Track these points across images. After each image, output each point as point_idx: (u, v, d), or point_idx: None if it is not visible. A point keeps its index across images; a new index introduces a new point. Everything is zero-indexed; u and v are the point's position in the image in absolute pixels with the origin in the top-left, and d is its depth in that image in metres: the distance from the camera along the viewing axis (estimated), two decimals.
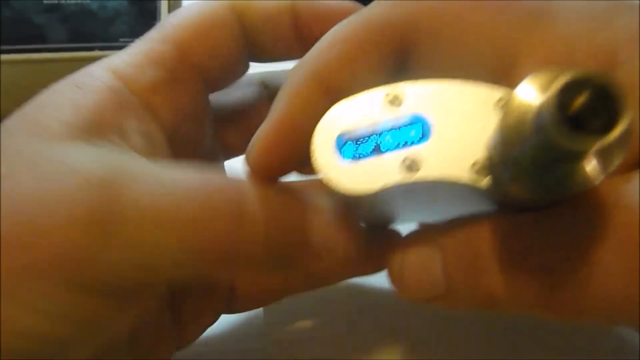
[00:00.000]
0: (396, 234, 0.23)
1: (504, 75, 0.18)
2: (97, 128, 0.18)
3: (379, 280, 0.29)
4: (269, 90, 0.25)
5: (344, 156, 0.17)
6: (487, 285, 0.18)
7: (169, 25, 0.22)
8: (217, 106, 0.24)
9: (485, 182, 0.16)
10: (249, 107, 0.25)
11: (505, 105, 0.14)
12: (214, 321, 0.24)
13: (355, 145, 0.17)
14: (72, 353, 0.16)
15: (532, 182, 0.15)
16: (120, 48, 0.35)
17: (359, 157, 0.17)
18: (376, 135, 0.17)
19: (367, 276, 0.27)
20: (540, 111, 0.13)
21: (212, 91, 0.23)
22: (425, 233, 0.20)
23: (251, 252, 0.17)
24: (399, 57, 0.19)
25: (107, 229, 0.15)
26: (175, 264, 0.16)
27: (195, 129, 0.22)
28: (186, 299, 0.23)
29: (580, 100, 0.12)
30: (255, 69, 0.25)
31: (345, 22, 0.19)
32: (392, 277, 0.20)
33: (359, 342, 0.27)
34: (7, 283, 0.15)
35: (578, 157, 0.14)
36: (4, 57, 0.33)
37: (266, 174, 0.19)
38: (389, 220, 0.23)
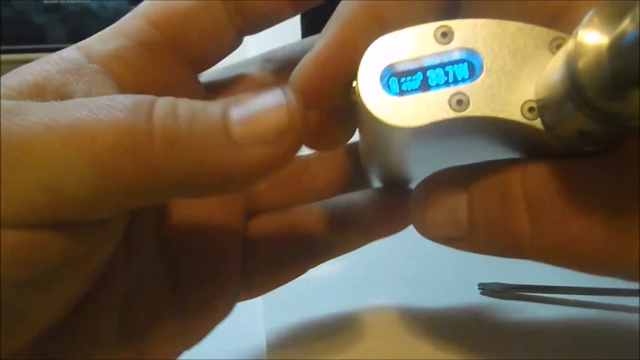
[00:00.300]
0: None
1: (557, 17, 0.18)
2: (34, 88, 0.17)
3: (378, 280, 0.29)
4: (271, 64, 0.25)
5: (390, 89, 0.17)
6: (514, 230, 0.17)
7: (142, 4, 0.21)
8: (213, 83, 0.23)
9: (538, 122, 0.16)
10: (248, 81, 0.24)
11: (574, 37, 0.14)
12: (225, 314, 0.23)
13: (402, 80, 0.17)
14: (24, 303, 0.16)
15: (601, 108, 0.14)
16: None
17: (406, 92, 0.17)
18: (424, 70, 0.17)
19: (367, 277, 0.27)
20: (621, 35, 0.13)
21: (201, 66, 0.22)
22: (453, 173, 0.19)
23: (155, 170, 0.16)
24: None
25: (2, 150, 0.15)
26: (72, 179, 0.15)
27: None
28: (191, 281, 0.22)
29: None
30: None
31: None
32: (414, 213, 0.20)
33: (359, 342, 0.27)
34: None
35: None
36: (4, 57, 0.33)
37: (309, 97, 0.18)
38: (411, 176, 0.23)
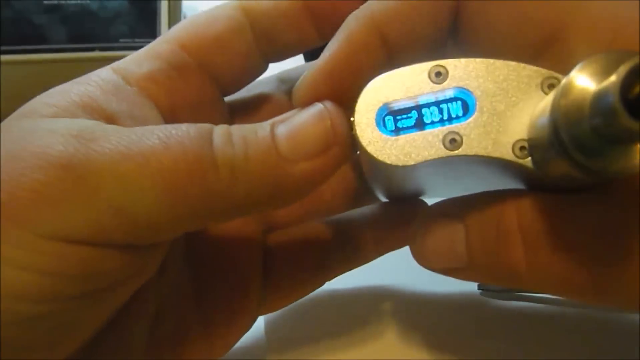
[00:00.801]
0: (421, 202, 0.23)
1: (545, 47, 0.18)
2: (82, 108, 0.18)
3: (378, 280, 0.29)
4: (286, 85, 0.25)
5: (386, 128, 0.18)
6: (510, 262, 0.18)
7: (173, 29, 0.22)
8: (233, 102, 0.24)
9: (528, 160, 0.17)
10: (266, 101, 0.25)
11: (560, 88, 0.14)
12: (247, 328, 0.24)
13: (397, 118, 0.18)
14: (76, 316, 0.16)
15: (580, 162, 0.15)
16: (120, 48, 0.35)
17: (401, 130, 0.17)
18: (419, 108, 0.18)
19: (367, 277, 0.27)
20: (602, 94, 0.13)
21: (226, 90, 0.23)
22: (450, 205, 0.20)
23: (218, 194, 0.17)
24: (451, 17, 0.19)
25: (79, 171, 0.15)
26: (143, 203, 0.16)
27: (201, 119, 0.22)
28: (216, 297, 0.23)
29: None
30: (274, 70, 0.25)
31: None
32: (413, 245, 0.20)
33: (359, 342, 0.27)
34: None
35: (633, 139, 0.14)
36: (4, 57, 0.33)
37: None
38: (415, 194, 0.23)
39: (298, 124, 0.18)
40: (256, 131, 0.17)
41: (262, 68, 0.23)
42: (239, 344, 0.25)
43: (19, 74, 0.33)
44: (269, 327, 0.27)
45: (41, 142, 0.16)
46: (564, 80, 0.14)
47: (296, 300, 0.25)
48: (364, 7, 0.19)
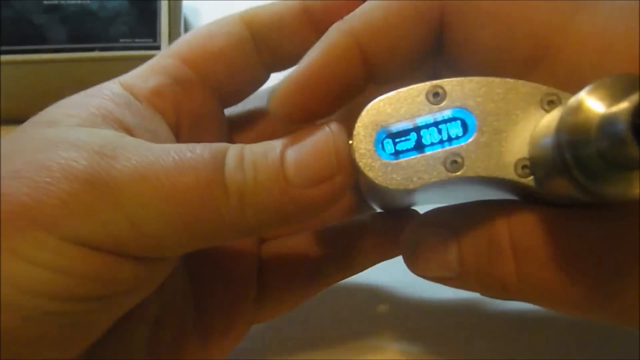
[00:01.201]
0: (414, 212, 0.24)
1: (536, 60, 0.18)
2: (101, 119, 0.19)
3: (378, 280, 0.29)
4: None
5: (385, 151, 0.18)
6: (501, 275, 0.18)
7: (175, 43, 0.23)
8: (232, 115, 0.25)
9: (530, 179, 0.17)
10: (262, 115, 0.25)
11: (568, 108, 0.14)
12: (242, 337, 0.24)
13: (396, 141, 0.17)
14: (88, 317, 0.17)
15: (582, 183, 0.15)
16: (120, 48, 0.35)
17: (401, 153, 0.17)
18: (417, 130, 0.17)
19: (367, 277, 0.27)
20: (611, 119, 0.13)
21: (228, 102, 0.24)
22: (442, 215, 0.20)
23: (228, 220, 0.17)
24: (435, 34, 0.19)
25: (101, 186, 0.16)
26: (157, 222, 0.17)
27: (202, 131, 0.22)
28: (214, 306, 0.23)
29: None
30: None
31: None
32: (405, 252, 0.20)
33: (359, 342, 0.27)
34: (6, 234, 0.16)
35: (637, 166, 0.14)
36: (4, 57, 0.33)
37: (285, 118, 0.19)
38: (410, 205, 0.24)
39: (304, 149, 0.18)
40: (267, 155, 0.18)
41: (264, 78, 0.24)
42: (239, 343, 0.25)
43: (19, 74, 0.33)
44: (269, 327, 0.27)
45: (67, 154, 0.17)
46: (572, 100, 0.14)
47: (291, 309, 0.25)
48: (346, 20, 0.19)
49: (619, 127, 0.13)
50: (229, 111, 0.24)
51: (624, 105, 0.13)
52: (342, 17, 0.21)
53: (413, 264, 0.20)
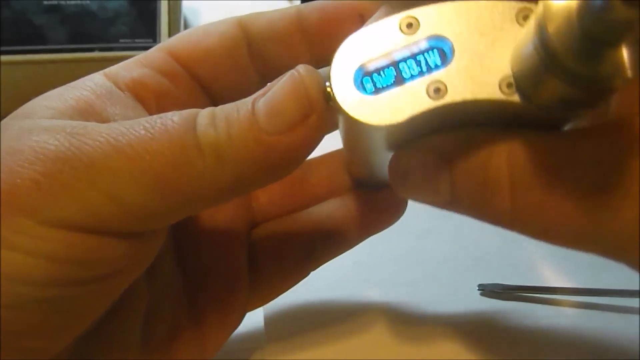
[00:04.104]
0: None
1: None
2: (79, 112, 0.19)
3: (378, 280, 0.29)
4: None
5: (365, 89, 0.17)
6: (497, 204, 0.18)
7: (169, 39, 0.23)
8: None
9: (516, 96, 0.16)
10: None
11: (542, 6, 0.14)
12: (237, 325, 0.24)
13: (375, 79, 0.17)
14: (75, 302, 0.17)
15: (574, 70, 0.14)
16: (120, 49, 0.35)
17: (381, 89, 0.17)
18: (395, 64, 0.17)
19: (367, 278, 0.27)
20: None
21: (220, 103, 0.23)
22: (433, 142, 0.19)
23: (207, 179, 0.17)
24: None
25: (75, 164, 0.16)
26: (136, 191, 0.16)
27: None
28: (207, 295, 0.23)
29: None
30: None
31: None
32: (395, 176, 0.20)
33: (359, 343, 0.27)
34: None
35: (624, 33, 0.13)
36: (4, 57, 0.33)
37: None
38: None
39: (273, 95, 0.17)
40: (238, 109, 0.17)
41: (259, 84, 0.23)
42: (238, 341, 0.25)
43: (19, 74, 0.33)
44: (269, 325, 0.27)
45: (38, 137, 0.16)
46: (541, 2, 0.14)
47: (283, 292, 0.25)
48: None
49: (597, 1, 0.13)
50: None
51: None
52: (335, 32, 0.21)
53: (402, 191, 0.20)
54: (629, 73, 0.14)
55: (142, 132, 0.17)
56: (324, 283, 0.28)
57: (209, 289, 0.23)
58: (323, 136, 0.18)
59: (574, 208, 0.17)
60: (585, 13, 0.13)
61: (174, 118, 0.17)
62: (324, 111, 0.17)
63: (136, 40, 0.35)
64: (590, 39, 0.14)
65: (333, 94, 0.17)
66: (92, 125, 0.17)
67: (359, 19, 0.21)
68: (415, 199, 0.20)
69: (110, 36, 0.34)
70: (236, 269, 0.24)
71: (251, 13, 0.23)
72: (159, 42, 0.35)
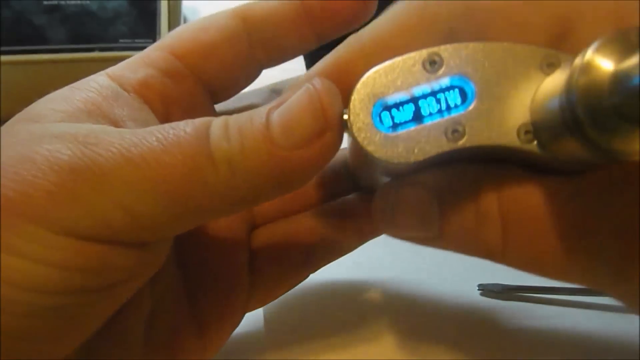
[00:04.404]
0: None
1: (556, 44, 0.18)
2: (87, 114, 0.19)
3: (378, 280, 0.29)
4: (278, 95, 0.26)
5: (383, 123, 0.17)
6: (487, 241, 0.18)
7: (167, 36, 0.22)
8: (224, 112, 0.24)
9: (534, 145, 0.16)
10: None
11: (578, 67, 0.14)
12: (237, 325, 0.24)
13: (394, 113, 0.17)
14: (83, 310, 0.17)
15: (593, 139, 0.14)
16: (120, 49, 0.35)
17: (399, 125, 0.17)
18: (415, 100, 0.17)
19: (366, 278, 0.27)
20: (624, 74, 0.13)
21: (218, 97, 0.23)
22: (424, 175, 0.19)
23: (219, 191, 0.17)
24: (444, 38, 0.19)
25: (87, 174, 0.16)
26: (148, 203, 0.16)
27: None
28: (207, 297, 0.23)
29: None
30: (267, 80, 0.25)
31: (401, 4, 0.19)
32: (381, 211, 0.20)
33: (359, 343, 0.27)
34: None
35: None
36: (4, 57, 0.33)
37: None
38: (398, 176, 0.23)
39: (289, 109, 0.17)
40: (252, 120, 0.17)
41: (255, 75, 0.23)
42: (238, 341, 0.25)
43: (19, 74, 0.33)
44: (268, 324, 0.27)
45: (51, 146, 0.16)
46: (579, 59, 0.14)
47: (283, 293, 0.25)
48: (355, 35, 0.19)
49: (633, 83, 0.13)
50: (221, 107, 0.24)
51: (635, 59, 0.13)
52: (339, 11, 0.21)
53: (388, 226, 0.20)
54: None
55: (155, 143, 0.17)
56: (324, 283, 0.28)
57: (209, 290, 0.23)
58: (337, 151, 0.18)
59: (564, 249, 0.17)
60: (618, 86, 0.13)
61: (186, 129, 0.17)
62: (340, 129, 0.17)
63: (136, 40, 0.35)
64: (618, 114, 0.13)
65: (350, 124, 0.17)
66: (103, 134, 0.17)
67: None
68: (401, 235, 0.20)
69: (110, 36, 0.34)
70: (236, 271, 0.24)
71: (246, 3, 0.22)
72: None
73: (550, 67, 0.17)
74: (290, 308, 0.27)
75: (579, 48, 0.15)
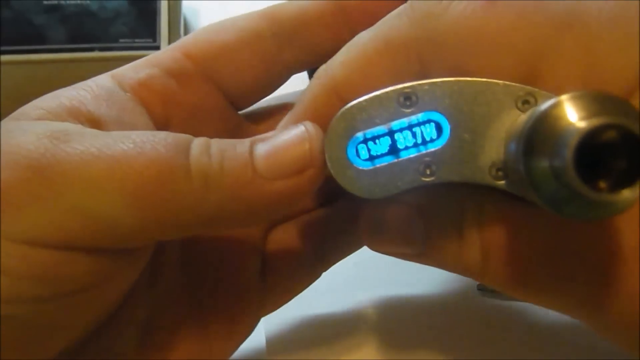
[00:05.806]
0: None
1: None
2: (68, 112, 0.18)
3: (378, 280, 0.29)
4: None
5: (359, 157, 0.17)
6: (468, 262, 0.18)
7: (186, 37, 0.22)
8: (256, 111, 0.24)
9: (503, 183, 0.17)
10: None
11: (535, 117, 0.14)
12: (250, 332, 0.23)
13: (370, 146, 0.17)
14: (46, 319, 0.16)
15: (545, 197, 0.14)
16: (120, 49, 0.35)
17: (374, 159, 0.17)
18: (391, 134, 0.17)
19: (366, 278, 0.27)
20: (562, 140, 0.13)
21: (238, 101, 0.23)
22: (409, 194, 0.19)
23: (190, 204, 0.17)
24: (415, 71, 0.19)
25: (46, 172, 0.15)
26: (111, 203, 0.16)
27: (200, 126, 0.22)
28: (216, 301, 0.22)
29: (609, 135, 0.13)
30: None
31: (366, 35, 0.19)
32: (367, 228, 0.20)
33: (358, 343, 0.27)
34: None
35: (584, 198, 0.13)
36: (4, 57, 0.33)
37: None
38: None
39: (278, 144, 0.17)
40: (235, 146, 0.17)
41: (282, 80, 0.23)
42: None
43: (19, 74, 0.33)
44: (269, 327, 0.27)
45: (14, 141, 0.16)
46: (535, 109, 0.14)
47: (295, 295, 0.24)
48: (323, 72, 0.19)
49: (564, 153, 0.13)
50: (251, 110, 0.24)
51: (579, 125, 0.13)
52: (376, 10, 0.20)
53: (375, 243, 0.20)
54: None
55: (131, 145, 0.16)
56: (324, 283, 0.28)
57: (217, 296, 0.22)
58: (317, 187, 0.18)
59: (539, 272, 0.17)
60: (555, 152, 0.13)
61: (167, 138, 0.17)
62: (322, 167, 0.17)
63: (136, 40, 0.35)
64: (555, 177, 0.13)
65: (327, 159, 0.17)
66: (75, 131, 0.17)
67: None
68: (387, 251, 0.20)
69: (110, 36, 0.34)
70: (246, 275, 0.23)
71: (275, 4, 0.22)
72: (159, 42, 0.35)
73: (525, 104, 0.16)
74: (290, 308, 0.27)
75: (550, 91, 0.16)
